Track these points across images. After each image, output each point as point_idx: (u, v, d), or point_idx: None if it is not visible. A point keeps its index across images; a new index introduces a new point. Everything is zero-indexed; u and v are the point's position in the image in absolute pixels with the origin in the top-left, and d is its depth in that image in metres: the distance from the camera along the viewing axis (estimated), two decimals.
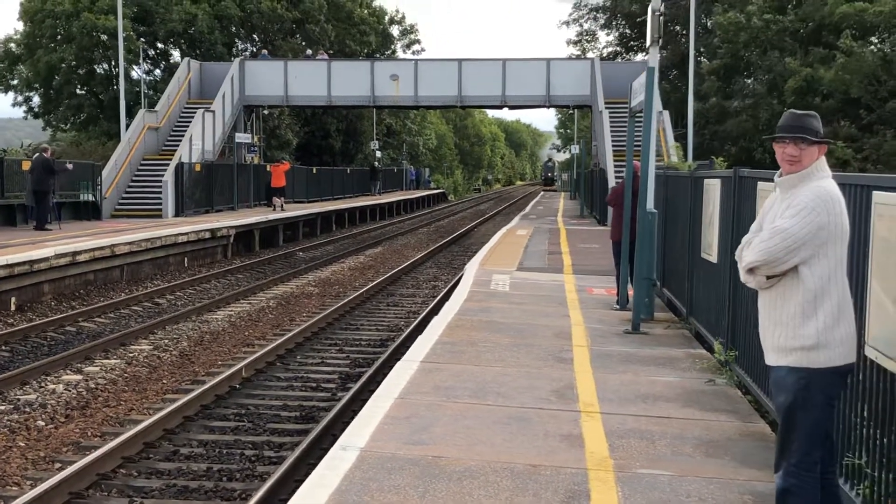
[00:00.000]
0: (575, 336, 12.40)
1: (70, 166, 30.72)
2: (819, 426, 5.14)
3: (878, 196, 5.76)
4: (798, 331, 5.14)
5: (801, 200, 5.11)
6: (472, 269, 20.17)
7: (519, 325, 13.09)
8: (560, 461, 7.17)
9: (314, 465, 7.58)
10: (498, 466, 7.00)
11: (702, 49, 53.56)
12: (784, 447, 5.18)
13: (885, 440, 5.64)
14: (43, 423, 11.35)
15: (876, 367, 5.73)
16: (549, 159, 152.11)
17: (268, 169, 42.74)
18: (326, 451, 7.78)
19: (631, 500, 6.35)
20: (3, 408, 11.87)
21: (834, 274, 5.12)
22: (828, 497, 5.23)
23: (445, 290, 21.79)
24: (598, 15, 63.38)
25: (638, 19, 59.14)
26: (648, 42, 13.83)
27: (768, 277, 5.15)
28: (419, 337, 12.08)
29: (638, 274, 13.25)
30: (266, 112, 54.96)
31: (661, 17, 13.94)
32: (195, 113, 42.30)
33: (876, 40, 50.19)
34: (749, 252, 5.24)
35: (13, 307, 19.15)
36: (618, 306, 14.62)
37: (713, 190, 11.32)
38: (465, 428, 8.02)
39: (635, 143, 15.22)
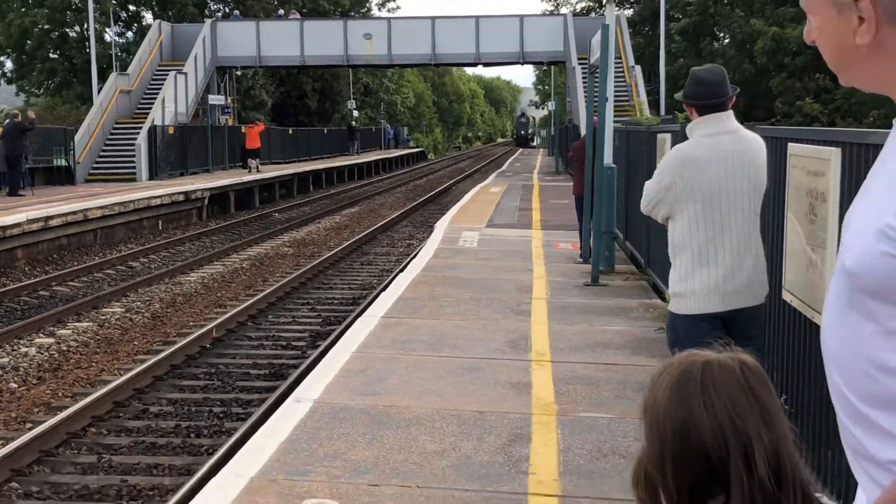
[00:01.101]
0: (536, 289, 12.67)
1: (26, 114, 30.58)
2: None
3: (792, 147, 6.00)
4: (670, 278, 5.56)
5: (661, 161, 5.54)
6: (441, 226, 20.37)
7: (482, 279, 13.33)
8: (507, 408, 7.42)
9: None
10: (446, 414, 7.24)
11: (674, 8, 53.51)
12: None
13: (801, 381, 5.91)
14: (15, 386, 11.46)
15: (791, 309, 5.96)
16: (523, 114, 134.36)
17: (242, 130, 42.66)
18: None
19: (570, 441, 6.62)
20: None
21: (689, 228, 5.37)
22: None
23: (420, 248, 22.00)
24: None
25: None
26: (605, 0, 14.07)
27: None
28: (382, 293, 12.33)
29: (597, 228, 13.50)
30: (239, 73, 54.81)
31: None
32: (167, 75, 42.17)
33: None
34: None
35: None
36: (581, 260, 14.84)
37: (664, 144, 11.57)
38: (418, 379, 8.25)
39: (595, 99, 15.46)
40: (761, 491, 1.66)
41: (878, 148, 4.70)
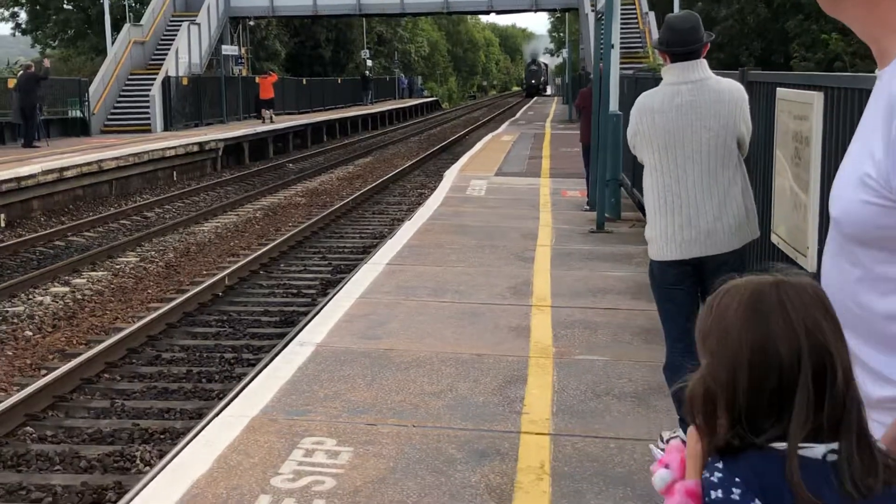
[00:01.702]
0: (541, 236, 12.70)
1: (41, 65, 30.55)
2: (664, 309, 5.56)
3: (780, 92, 6.09)
4: None
5: None
6: (451, 175, 20.38)
7: (488, 227, 13.36)
8: (505, 350, 7.52)
9: None
10: (445, 356, 7.35)
11: None
12: (663, 326, 5.66)
13: None
14: (31, 333, 11.54)
15: (778, 252, 6.05)
16: (534, 61, 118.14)
17: (256, 81, 42.50)
18: None
19: (564, 383, 6.72)
20: None
21: (651, 175, 5.45)
22: None
23: (431, 197, 22.04)
24: None
25: None
26: None
27: None
28: (388, 241, 12.41)
29: (601, 175, 13.52)
30: (252, 24, 54.49)
31: None
32: (181, 26, 41.89)
33: None
34: None
35: (3, 223, 19.18)
36: (588, 207, 14.83)
37: None
38: (419, 323, 8.35)
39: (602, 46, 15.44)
40: (831, 404, 1.69)
41: (859, 92, 4.81)
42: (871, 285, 1.92)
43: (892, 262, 1.89)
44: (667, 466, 1.85)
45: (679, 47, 5.41)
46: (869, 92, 4.62)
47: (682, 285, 5.42)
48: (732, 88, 5.51)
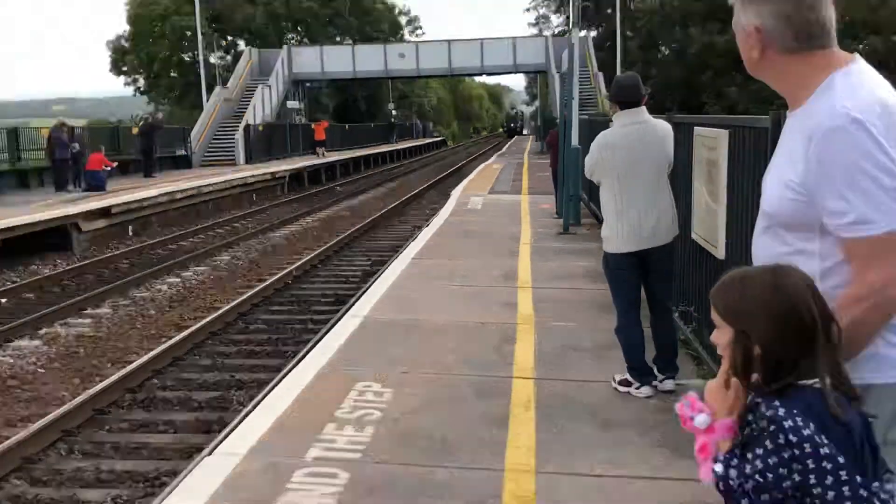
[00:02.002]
0: (523, 237, 12.71)
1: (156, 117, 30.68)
2: (617, 288, 5.58)
3: (696, 130, 6.17)
4: (602, 227, 5.68)
5: None
6: (456, 194, 20.41)
7: (484, 231, 13.35)
8: (499, 319, 7.56)
9: None
10: (458, 324, 7.41)
11: (629, 29, 53.02)
12: (614, 301, 5.69)
13: (705, 295, 6.13)
14: (153, 312, 11.63)
15: (698, 246, 6.13)
16: (513, 108, 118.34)
17: (312, 127, 42.56)
18: None
19: (543, 342, 6.78)
20: (126, 303, 12.15)
21: (609, 192, 5.46)
22: (663, 330, 5.62)
23: (440, 209, 22.05)
24: (549, 2, 62.63)
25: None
26: (571, 26, 14.08)
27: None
28: (412, 242, 12.49)
29: (566, 192, 13.58)
30: (309, 84, 54.58)
31: (582, 7, 14.17)
32: (257, 87, 42.06)
33: None
34: None
35: (131, 232, 19.29)
36: (556, 216, 14.78)
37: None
38: (437, 300, 8.40)
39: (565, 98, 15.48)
40: (835, 353, 1.76)
41: (753, 130, 4.87)
42: (792, 256, 2.00)
43: (808, 240, 2.00)
44: (701, 412, 1.83)
45: (626, 99, 5.46)
46: (759, 129, 4.73)
47: (629, 271, 5.49)
48: (665, 127, 5.59)
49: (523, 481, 4.19)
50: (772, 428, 1.69)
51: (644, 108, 5.52)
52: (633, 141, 5.40)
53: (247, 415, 5.46)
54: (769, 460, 1.68)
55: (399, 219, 22.51)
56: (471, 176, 27.33)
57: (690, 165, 6.29)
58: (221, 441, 4.91)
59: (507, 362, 6.25)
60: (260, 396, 6.44)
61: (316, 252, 15.81)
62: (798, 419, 1.68)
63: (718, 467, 1.75)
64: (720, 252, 5.42)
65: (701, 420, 1.82)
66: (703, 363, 6.01)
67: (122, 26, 72.62)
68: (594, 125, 15.81)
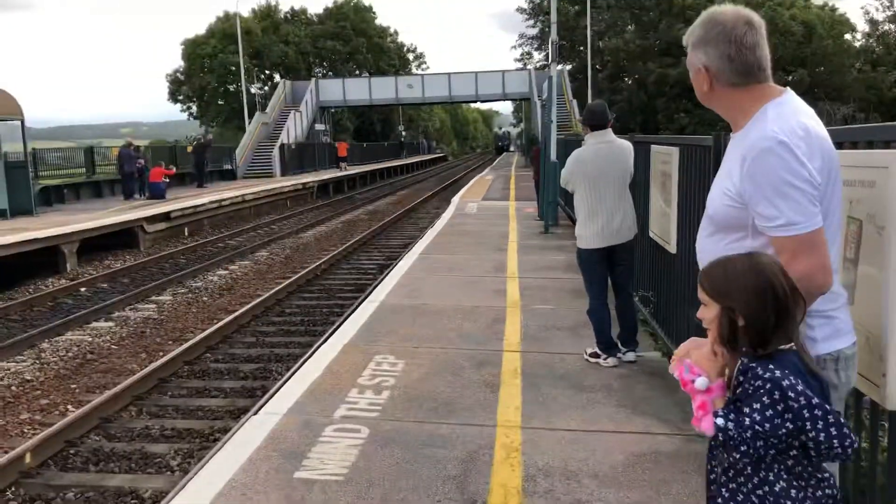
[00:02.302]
0: (510, 236, 12.67)
1: (206, 137, 30.75)
2: (589, 277, 5.58)
3: (653, 148, 6.19)
4: (575, 227, 5.67)
5: None
6: (455, 200, 20.38)
7: (478, 231, 13.32)
8: (491, 303, 7.58)
9: None
10: (457, 307, 7.41)
11: (597, 63, 52.94)
12: (586, 288, 5.71)
13: (660, 282, 6.17)
14: (206, 299, 11.65)
15: (654, 242, 6.16)
16: (500, 127, 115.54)
17: (335, 145, 42.62)
18: None
19: (529, 321, 6.80)
20: (183, 291, 12.15)
21: (582, 198, 5.48)
22: (626, 311, 5.67)
23: (442, 213, 21.98)
24: (533, 41, 62.40)
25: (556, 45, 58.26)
26: (550, 61, 14.06)
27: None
28: (419, 240, 12.49)
29: (545, 198, 13.57)
30: (333, 110, 54.52)
31: (559, 46, 14.15)
32: (290, 113, 42.01)
33: None
34: None
35: (186, 233, 19.33)
36: (538, 218, 14.80)
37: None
38: (440, 288, 8.40)
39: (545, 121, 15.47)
40: (799, 322, 1.80)
41: (700, 148, 4.89)
42: (725, 251, 2.03)
43: (741, 238, 2.04)
44: (699, 375, 1.84)
45: (596, 122, 5.52)
46: (704, 147, 4.75)
47: (598, 263, 5.52)
48: (627, 146, 5.62)
49: (512, 434, 4.24)
50: (768, 386, 1.70)
51: (610, 129, 5.57)
52: (601, 157, 5.44)
53: (285, 382, 5.50)
54: (766, 413, 1.69)
55: (408, 221, 22.45)
56: (468, 185, 27.29)
57: (648, 176, 6.32)
58: (265, 403, 4.95)
59: (499, 338, 6.27)
60: (295, 367, 6.47)
61: (340, 249, 15.80)
62: (791, 378, 1.70)
63: (720, 420, 1.75)
64: (672, 248, 5.45)
65: (701, 382, 1.83)
66: (658, 339, 6.04)
67: (178, 62, 72.65)
68: (569, 144, 15.82)
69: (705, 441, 4.15)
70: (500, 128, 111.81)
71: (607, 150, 5.47)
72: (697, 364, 1.86)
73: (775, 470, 1.76)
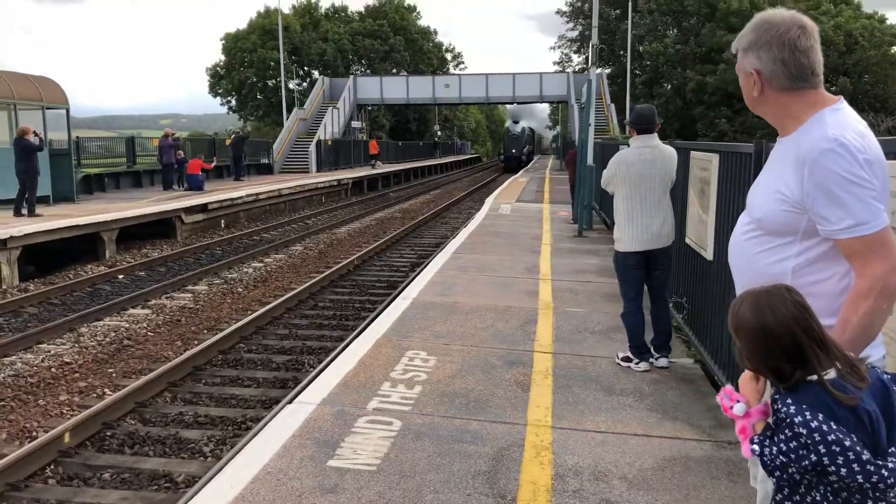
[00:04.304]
0: (543, 238, 12.63)
1: (245, 131, 31.17)
2: (625, 281, 5.56)
3: (693, 154, 6.18)
4: (614, 230, 5.67)
5: None
6: (488, 201, 20.38)
7: (511, 232, 13.29)
8: (524, 304, 7.59)
9: None
10: (489, 307, 7.43)
11: (636, 67, 52.59)
12: (621, 291, 5.70)
13: (695, 289, 6.14)
14: (241, 290, 11.78)
15: (690, 249, 6.16)
16: (515, 120, 61.38)
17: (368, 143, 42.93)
18: None
19: (560, 323, 6.80)
20: (219, 282, 12.30)
21: (622, 200, 5.49)
22: (660, 317, 5.65)
23: (475, 214, 21.97)
24: (572, 44, 62.17)
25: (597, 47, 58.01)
26: (589, 65, 14.03)
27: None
28: (452, 240, 12.50)
29: (581, 202, 13.54)
30: (370, 108, 54.82)
31: (599, 49, 14.12)
32: (327, 110, 42.23)
33: None
34: None
35: (223, 226, 19.54)
36: (572, 221, 14.77)
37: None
38: (472, 288, 8.41)
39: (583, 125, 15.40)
40: (835, 356, 1.73)
41: (738, 155, 4.88)
42: (769, 255, 2.04)
43: (789, 243, 2.02)
44: (738, 401, 1.84)
45: (643, 125, 5.51)
46: (744, 154, 4.74)
47: (636, 267, 5.51)
48: (671, 152, 5.61)
49: (542, 433, 4.27)
50: (787, 421, 1.71)
51: (656, 134, 5.58)
52: (645, 160, 5.45)
53: (320, 372, 5.58)
54: (790, 444, 1.70)
55: (441, 220, 22.49)
56: (501, 186, 27.25)
57: (686, 182, 6.30)
58: (300, 392, 5.03)
59: (530, 339, 6.28)
60: (330, 358, 6.56)
61: (373, 246, 15.91)
62: (807, 413, 1.68)
63: (754, 447, 1.77)
64: (709, 254, 5.44)
65: (738, 408, 1.84)
66: (691, 345, 6.03)
67: (218, 56, 73.66)
68: (605, 148, 15.83)
69: (736, 448, 4.15)
70: (516, 120, 60.37)
71: (651, 154, 5.48)
72: (741, 388, 1.88)
73: (822, 491, 1.75)
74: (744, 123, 43.90)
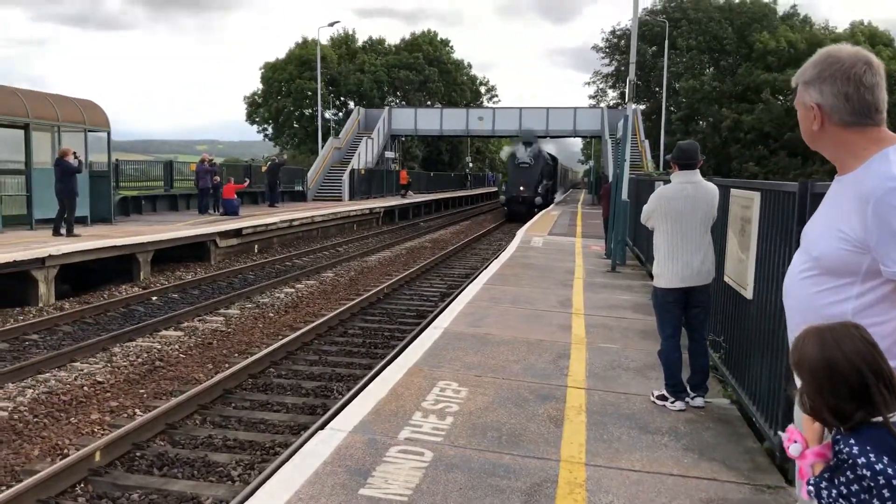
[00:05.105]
0: (576, 272, 12.57)
1: (280, 159, 31.58)
2: (663, 317, 5.49)
3: (732, 191, 6.13)
4: (653, 266, 5.61)
5: None
6: (520, 233, 20.35)
7: (543, 265, 13.24)
8: (556, 338, 7.54)
9: None
10: (521, 339, 7.39)
11: (672, 104, 52.57)
12: (658, 328, 5.65)
13: (733, 328, 6.05)
14: (272, 315, 11.87)
15: (728, 287, 6.05)
16: (527, 144, 37.20)
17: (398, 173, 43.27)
18: None
19: (593, 358, 6.74)
20: (251, 306, 12.41)
21: (663, 236, 5.44)
22: (698, 356, 5.56)
23: (506, 246, 21.94)
24: (607, 79, 62.39)
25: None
26: (626, 100, 14.04)
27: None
28: (483, 271, 12.48)
29: (615, 237, 13.48)
30: (403, 139, 55.31)
31: (635, 84, 14.14)
32: (362, 139, 42.73)
33: (782, 98, 48.92)
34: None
35: (256, 251, 19.74)
36: (605, 256, 14.70)
37: (659, 187, 11.58)
38: (504, 320, 8.36)
39: (618, 160, 15.39)
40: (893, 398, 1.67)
41: (783, 194, 4.82)
42: (827, 295, 1.98)
43: (850, 284, 1.97)
44: (795, 441, 1.81)
45: (686, 161, 5.49)
46: (787, 193, 4.68)
47: (675, 304, 5.45)
48: (713, 189, 5.58)
49: (576, 470, 4.20)
50: (849, 462, 1.66)
51: (698, 170, 5.55)
52: (687, 196, 5.41)
53: (351, 399, 5.57)
54: (851, 487, 1.66)
55: (471, 251, 22.52)
56: (533, 219, 27.23)
57: (726, 219, 6.24)
58: (331, 418, 5.02)
59: (563, 374, 6.23)
60: (360, 385, 6.56)
61: (403, 274, 15.97)
62: (871, 455, 1.64)
63: (810, 488, 1.73)
64: (749, 293, 5.36)
65: (794, 448, 1.81)
66: (727, 385, 5.92)
67: (256, 85, 75.16)
68: (640, 183, 15.78)
69: (775, 492, 4.05)
70: (528, 142, 38.81)
71: (693, 190, 5.44)
72: (803, 428, 1.84)
73: None
74: (777, 164, 43.63)
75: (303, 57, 60.58)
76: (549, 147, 41.30)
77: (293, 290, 14.22)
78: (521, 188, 34.43)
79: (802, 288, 2.07)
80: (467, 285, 11.49)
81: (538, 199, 34.97)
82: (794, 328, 2.02)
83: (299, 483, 3.81)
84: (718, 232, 6.45)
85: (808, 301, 2.01)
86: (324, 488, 3.77)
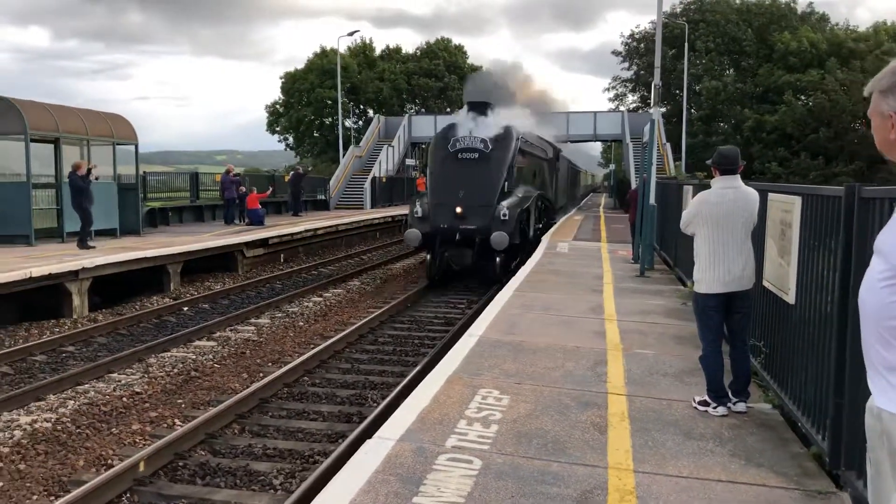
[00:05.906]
0: (605, 277, 12.53)
1: (303, 168, 31.80)
2: (705, 323, 5.45)
3: (770, 196, 6.11)
4: (694, 271, 5.58)
5: None
6: (545, 240, 20.27)
7: (571, 271, 13.20)
8: (591, 345, 7.52)
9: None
10: (556, 346, 7.37)
11: (692, 106, 52.29)
12: (700, 333, 5.63)
13: (773, 332, 6.02)
14: (302, 324, 11.98)
15: (768, 291, 6.03)
16: (479, 119, 15.91)
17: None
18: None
19: (630, 365, 6.71)
20: (280, 315, 12.54)
21: (704, 241, 5.41)
22: (740, 361, 5.54)
23: (533, 252, 21.90)
24: (627, 83, 62.17)
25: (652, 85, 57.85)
26: (652, 104, 14.02)
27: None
28: (513, 278, 12.50)
29: (643, 241, 13.44)
30: (424, 146, 55.37)
31: (660, 89, 14.13)
32: (382, 147, 42.88)
33: (804, 98, 48.56)
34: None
35: (282, 260, 19.89)
36: (632, 261, 14.61)
37: (686, 192, 11.52)
38: (537, 326, 8.36)
39: (643, 164, 15.38)
40: None
41: (826, 198, 4.79)
42: None
43: None
44: None
45: (727, 166, 5.46)
46: (829, 197, 4.65)
47: (716, 309, 5.44)
48: (754, 193, 5.55)
49: (624, 477, 4.21)
50: None
51: (739, 175, 5.51)
52: (728, 201, 5.39)
53: (394, 407, 5.59)
54: None
55: None
56: (557, 225, 27.10)
57: (764, 224, 6.22)
58: (371, 428, 5.06)
59: (602, 380, 6.22)
60: (396, 392, 6.58)
61: (428, 282, 15.92)
62: None
63: None
64: (791, 298, 5.34)
65: None
66: (768, 390, 5.89)
67: (276, 94, 75.66)
68: (665, 188, 15.73)
69: (826, 497, 4.03)
70: (477, 109, 16.44)
71: (734, 195, 5.42)
72: None
73: None
74: (799, 165, 43.28)
75: (323, 66, 60.93)
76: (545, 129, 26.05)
77: (321, 298, 14.31)
78: (459, 209, 15.39)
79: (882, 296, 2.03)
80: (498, 292, 11.49)
81: (511, 238, 15.42)
82: (869, 336, 2.01)
83: (354, 492, 3.85)
84: (756, 236, 6.42)
85: (887, 310, 2.00)
86: (378, 497, 3.80)
